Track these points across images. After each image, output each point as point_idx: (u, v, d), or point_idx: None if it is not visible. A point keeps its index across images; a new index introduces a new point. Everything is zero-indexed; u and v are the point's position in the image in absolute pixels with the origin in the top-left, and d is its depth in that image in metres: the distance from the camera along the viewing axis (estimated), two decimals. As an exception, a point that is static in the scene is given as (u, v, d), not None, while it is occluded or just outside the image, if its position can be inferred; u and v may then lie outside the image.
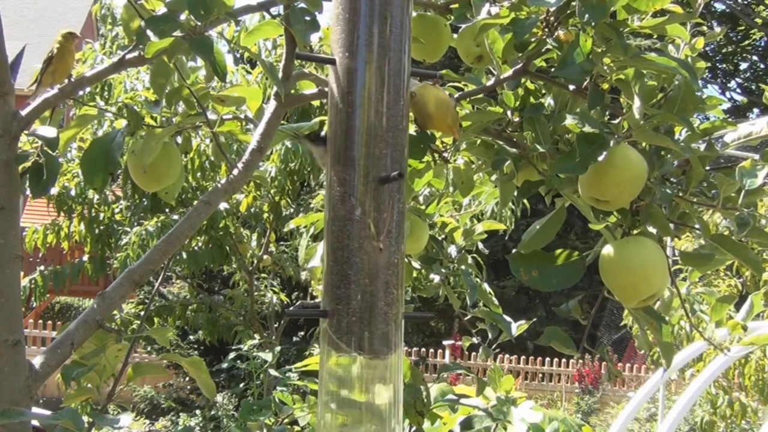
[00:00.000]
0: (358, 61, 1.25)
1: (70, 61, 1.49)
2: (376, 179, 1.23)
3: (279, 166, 5.11)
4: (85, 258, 5.83)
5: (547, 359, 11.77)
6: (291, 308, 1.51)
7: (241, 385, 5.44)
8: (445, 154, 1.63)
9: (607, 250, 1.33)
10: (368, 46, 1.25)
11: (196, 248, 5.39)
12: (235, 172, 1.45)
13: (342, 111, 1.26)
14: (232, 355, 5.04)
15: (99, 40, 5.89)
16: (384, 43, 1.26)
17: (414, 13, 1.57)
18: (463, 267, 1.91)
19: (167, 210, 5.23)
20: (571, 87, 1.40)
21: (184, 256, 5.29)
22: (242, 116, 1.61)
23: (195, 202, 1.44)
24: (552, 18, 1.32)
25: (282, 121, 1.51)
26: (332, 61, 1.27)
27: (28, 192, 1.44)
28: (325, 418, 1.24)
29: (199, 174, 4.93)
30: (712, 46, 18.93)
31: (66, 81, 1.46)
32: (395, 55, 1.26)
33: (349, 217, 1.23)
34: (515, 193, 1.57)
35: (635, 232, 1.37)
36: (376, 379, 1.24)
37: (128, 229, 5.25)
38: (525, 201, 4.35)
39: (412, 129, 1.44)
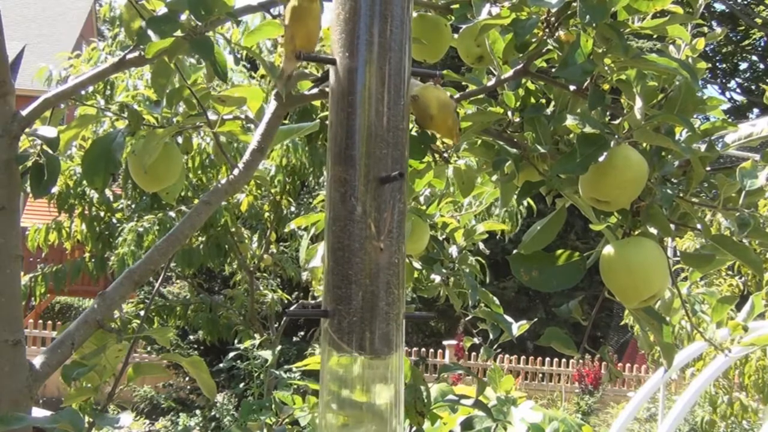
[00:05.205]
0: (358, 61, 1.25)
1: (311, 24, 1.28)
2: (377, 179, 1.23)
3: (278, 163, 5.11)
4: (86, 257, 5.82)
5: (547, 359, 11.77)
6: (292, 308, 1.51)
7: (241, 385, 5.44)
8: (446, 155, 1.63)
9: (608, 250, 1.33)
10: (368, 45, 1.25)
11: (193, 247, 5.37)
12: (236, 172, 1.45)
13: (342, 111, 1.25)
14: (231, 354, 5.04)
15: (100, 41, 5.89)
16: (384, 42, 1.25)
17: (414, 14, 1.57)
18: (463, 268, 1.91)
19: (166, 208, 5.22)
20: (572, 87, 1.40)
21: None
22: (243, 116, 1.61)
23: (195, 202, 1.43)
24: (553, 18, 1.32)
25: (284, 121, 1.51)
26: (332, 61, 1.27)
27: (28, 190, 1.44)
28: (326, 418, 1.24)
29: (199, 171, 4.91)
30: (712, 46, 18.92)
31: (311, 49, 1.27)
32: (396, 54, 1.26)
33: (350, 217, 1.23)
34: (516, 194, 1.57)
35: (636, 232, 1.37)
36: (377, 379, 1.23)
37: (125, 225, 5.24)
38: (531, 201, 4.23)
39: (413, 130, 1.44)
